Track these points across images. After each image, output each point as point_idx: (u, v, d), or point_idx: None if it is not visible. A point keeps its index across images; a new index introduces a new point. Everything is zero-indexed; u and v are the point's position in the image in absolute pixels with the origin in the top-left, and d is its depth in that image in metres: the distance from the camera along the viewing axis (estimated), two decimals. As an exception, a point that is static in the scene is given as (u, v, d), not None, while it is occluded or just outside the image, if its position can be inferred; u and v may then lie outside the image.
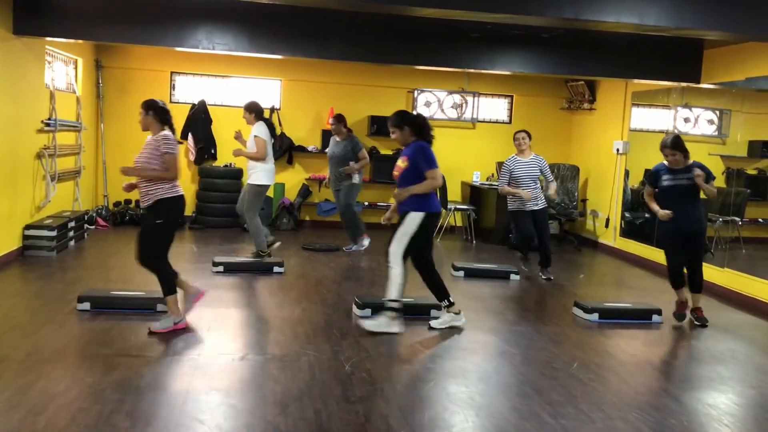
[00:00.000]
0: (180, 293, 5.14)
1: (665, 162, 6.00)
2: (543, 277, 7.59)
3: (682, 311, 6.11)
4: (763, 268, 7.25)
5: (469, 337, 5.38)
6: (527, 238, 7.57)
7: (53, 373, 4.07)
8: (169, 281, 5.06)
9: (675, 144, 5.87)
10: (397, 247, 5.27)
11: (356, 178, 8.62)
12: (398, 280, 5.24)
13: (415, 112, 5.76)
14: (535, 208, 7.50)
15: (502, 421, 3.76)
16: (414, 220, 5.27)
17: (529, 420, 3.77)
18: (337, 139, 8.63)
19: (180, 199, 5.24)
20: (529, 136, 7.71)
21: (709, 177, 5.87)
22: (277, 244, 7.74)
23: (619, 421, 3.83)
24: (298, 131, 10.44)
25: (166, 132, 5.25)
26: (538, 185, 7.64)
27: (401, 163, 5.42)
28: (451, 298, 5.53)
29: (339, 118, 8.58)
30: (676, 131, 9.12)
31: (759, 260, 7.50)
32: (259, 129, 7.48)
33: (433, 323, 5.53)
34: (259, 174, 7.49)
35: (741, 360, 5.21)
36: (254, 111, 7.57)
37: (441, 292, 5.54)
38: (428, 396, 4.07)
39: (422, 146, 5.41)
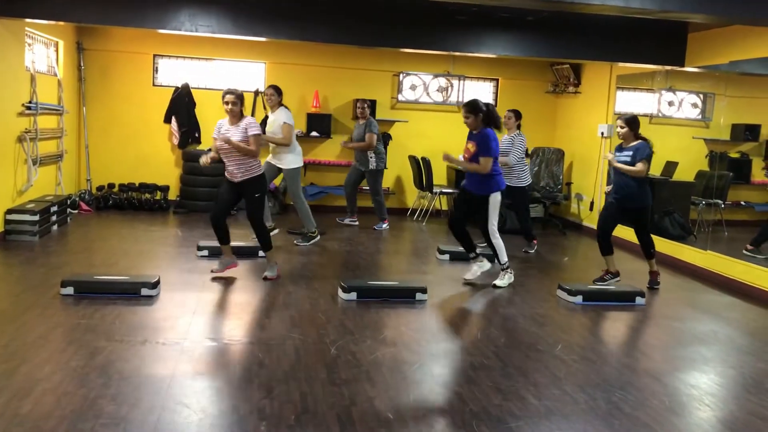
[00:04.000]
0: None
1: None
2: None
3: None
4: (757, 251, 7.32)
5: (453, 320, 5.41)
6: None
7: (37, 357, 4.05)
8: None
9: (627, 120, 6.42)
10: (493, 224, 6.32)
11: (372, 164, 9.00)
12: (502, 246, 6.38)
13: (483, 102, 6.23)
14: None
15: (486, 402, 3.79)
16: (497, 199, 6.29)
17: (514, 401, 3.80)
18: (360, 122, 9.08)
19: None
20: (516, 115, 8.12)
21: (634, 158, 6.30)
22: (276, 231, 7.91)
23: (602, 402, 3.87)
24: (282, 115, 10.37)
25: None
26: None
27: (471, 147, 6.19)
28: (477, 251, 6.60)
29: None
30: (660, 114, 9.17)
31: (741, 243, 7.57)
32: (287, 115, 7.71)
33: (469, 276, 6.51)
34: (288, 158, 7.74)
35: (722, 341, 5.28)
36: (281, 94, 7.80)
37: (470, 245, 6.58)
38: (413, 378, 4.09)
39: (488, 134, 6.15)
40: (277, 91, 7.77)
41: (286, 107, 7.82)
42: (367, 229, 9.13)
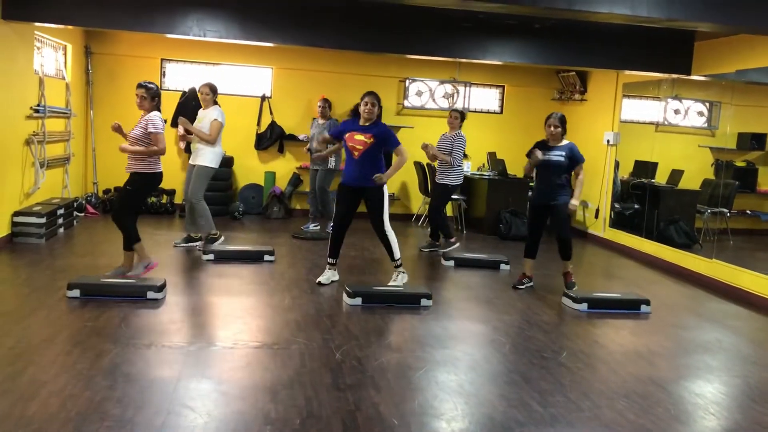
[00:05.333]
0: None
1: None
2: None
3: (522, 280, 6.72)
4: (750, 259, 7.32)
5: (458, 326, 5.41)
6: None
7: (43, 360, 4.06)
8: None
9: (561, 119, 6.40)
10: (387, 219, 6.22)
11: (332, 163, 8.83)
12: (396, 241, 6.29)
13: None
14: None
15: (491, 409, 3.79)
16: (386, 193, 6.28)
17: (518, 408, 3.80)
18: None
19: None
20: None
21: (569, 158, 6.37)
22: (221, 239, 7.67)
23: (606, 410, 3.87)
24: (289, 120, 10.41)
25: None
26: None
27: (366, 139, 6.03)
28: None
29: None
30: (666, 122, 9.17)
31: (746, 251, 7.57)
32: (219, 113, 7.46)
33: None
34: (207, 155, 7.41)
35: (727, 350, 5.27)
36: (216, 93, 7.59)
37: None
38: (418, 384, 4.10)
39: (387, 129, 6.16)
40: (212, 89, 7.55)
41: (219, 106, 7.60)
42: (372, 234, 9.12)
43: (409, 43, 7.91)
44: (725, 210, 8.12)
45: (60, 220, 7.91)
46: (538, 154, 6.35)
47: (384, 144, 6.09)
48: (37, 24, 7.44)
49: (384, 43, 7.92)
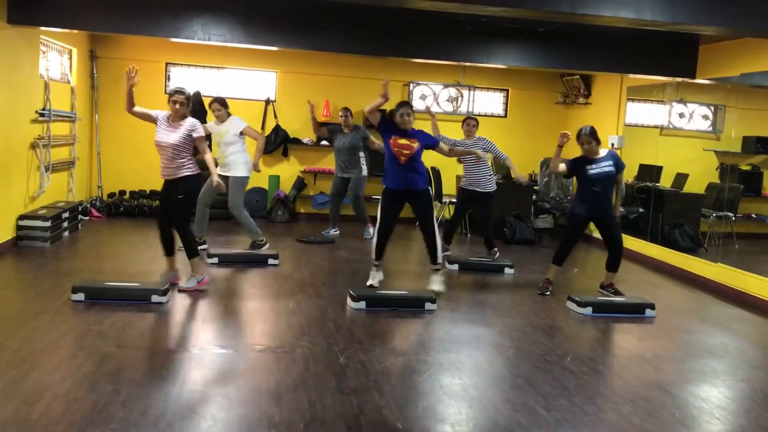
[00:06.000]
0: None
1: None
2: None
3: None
4: (755, 263, 7.30)
5: (462, 330, 5.40)
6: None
7: (47, 363, 4.07)
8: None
9: (591, 133, 6.35)
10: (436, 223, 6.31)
11: (364, 170, 8.93)
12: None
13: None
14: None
15: (495, 413, 3.78)
16: None
17: (522, 412, 3.79)
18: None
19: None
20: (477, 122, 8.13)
21: (617, 167, 6.36)
22: (206, 246, 7.63)
23: (611, 414, 3.86)
24: (293, 123, 10.43)
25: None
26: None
27: (411, 143, 6.13)
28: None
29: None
30: (670, 126, 9.16)
31: (751, 255, 7.55)
32: (241, 120, 7.47)
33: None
34: (240, 165, 7.41)
35: (733, 354, 5.25)
36: (227, 106, 7.48)
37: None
38: (422, 388, 4.09)
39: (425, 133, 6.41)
40: (222, 104, 7.43)
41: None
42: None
43: (413, 47, 7.92)
44: (730, 213, 8.10)
45: (65, 224, 7.93)
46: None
47: (425, 145, 6.26)
48: (42, 28, 7.48)
49: (388, 46, 7.94)
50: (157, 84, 10.09)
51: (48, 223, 7.36)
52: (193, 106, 9.87)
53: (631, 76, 8.97)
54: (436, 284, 6.25)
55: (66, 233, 7.98)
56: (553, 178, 10.51)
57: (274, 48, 8.15)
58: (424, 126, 10.57)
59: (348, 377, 4.15)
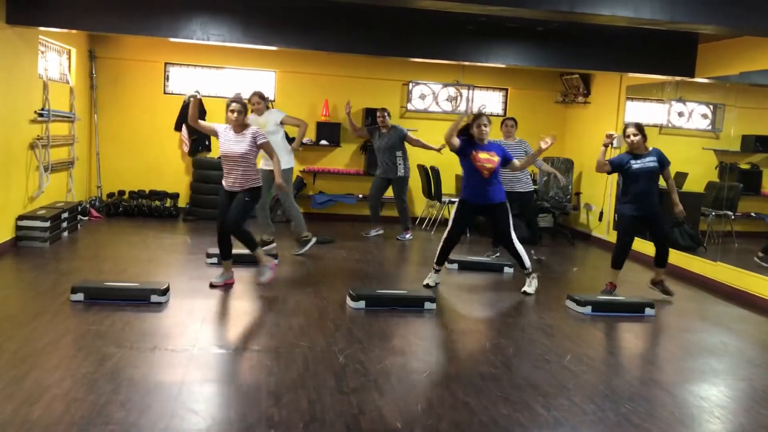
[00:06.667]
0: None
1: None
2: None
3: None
4: (754, 262, 7.29)
5: (462, 329, 5.40)
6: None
7: (47, 363, 4.07)
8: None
9: (638, 126, 6.38)
10: (514, 233, 6.41)
11: (401, 170, 9.03)
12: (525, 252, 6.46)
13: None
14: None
15: (494, 412, 3.78)
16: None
17: (522, 411, 3.79)
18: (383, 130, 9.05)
19: None
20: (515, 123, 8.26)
21: (662, 164, 6.39)
22: (274, 244, 7.79)
23: (611, 413, 3.86)
24: (292, 123, 10.41)
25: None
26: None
27: (491, 156, 6.29)
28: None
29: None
30: (669, 125, 9.15)
31: (751, 254, 7.53)
32: (279, 111, 7.73)
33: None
34: (284, 158, 7.28)
35: (733, 353, 5.25)
36: (266, 99, 7.66)
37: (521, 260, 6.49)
38: (421, 387, 4.09)
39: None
40: (261, 97, 7.56)
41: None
42: (376, 238, 9.14)
43: (412, 47, 7.91)
44: (730, 212, 8.10)
45: (64, 224, 7.92)
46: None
47: (504, 160, 6.40)
48: (41, 28, 7.47)
49: (387, 46, 7.93)
50: (157, 84, 10.09)
51: (47, 224, 7.35)
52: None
53: (631, 75, 8.97)
54: (527, 286, 6.49)
55: (65, 233, 7.98)
56: (552, 178, 10.51)
57: (273, 48, 8.15)
58: (422, 125, 10.64)
59: (347, 377, 4.14)
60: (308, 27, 7.55)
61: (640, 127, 6.36)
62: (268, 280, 6.13)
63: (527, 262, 6.48)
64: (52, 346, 4.37)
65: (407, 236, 9.15)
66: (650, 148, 6.42)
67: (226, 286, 6.13)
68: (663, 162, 6.39)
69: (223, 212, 6.06)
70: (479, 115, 6.35)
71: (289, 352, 4.54)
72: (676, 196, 6.54)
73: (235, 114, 5.84)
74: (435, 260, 6.59)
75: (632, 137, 6.34)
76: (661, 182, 6.56)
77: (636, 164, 6.34)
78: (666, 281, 6.72)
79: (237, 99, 5.93)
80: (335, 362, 4.39)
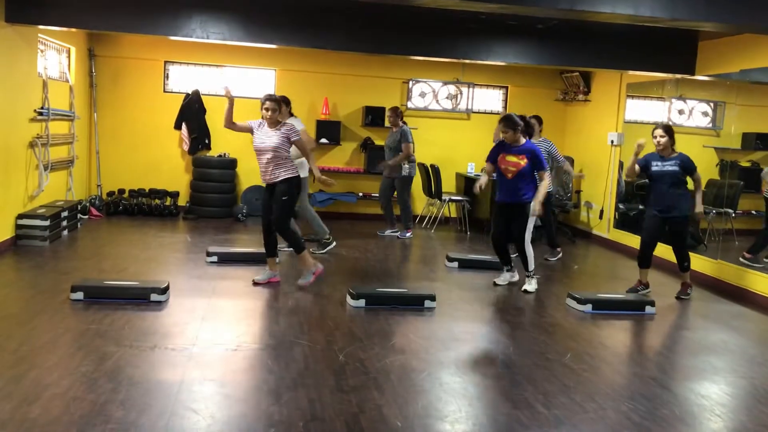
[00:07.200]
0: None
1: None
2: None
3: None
4: (755, 259, 7.28)
5: (462, 328, 5.39)
6: None
7: (46, 362, 4.06)
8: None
9: (667, 128, 6.38)
10: (528, 236, 6.48)
11: (405, 170, 9.03)
12: (532, 254, 6.55)
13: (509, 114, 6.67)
14: None
15: (494, 410, 3.78)
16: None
17: (522, 410, 3.78)
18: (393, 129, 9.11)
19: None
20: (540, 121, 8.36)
21: (685, 170, 6.33)
22: (333, 243, 7.97)
23: (611, 411, 3.85)
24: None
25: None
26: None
27: (519, 160, 6.34)
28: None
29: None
30: (670, 123, 9.14)
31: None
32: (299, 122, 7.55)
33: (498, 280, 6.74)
34: (304, 167, 7.30)
35: (733, 350, 5.24)
36: (288, 104, 7.46)
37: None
38: (422, 386, 4.08)
39: (538, 149, 6.46)
40: (286, 103, 7.39)
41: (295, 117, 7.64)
42: (376, 236, 9.14)
43: (412, 44, 7.91)
44: (730, 210, 8.08)
45: (64, 223, 7.92)
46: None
47: (535, 165, 6.38)
48: (40, 27, 7.46)
49: (387, 44, 7.92)
50: (156, 82, 10.08)
51: (47, 222, 7.35)
52: (192, 104, 9.99)
53: (631, 72, 8.96)
54: (527, 285, 6.59)
55: (65, 232, 7.97)
56: (554, 175, 10.49)
57: (273, 46, 8.14)
58: (422, 122, 10.63)
59: (347, 375, 4.14)
60: (308, 25, 7.54)
61: (668, 130, 6.35)
62: (305, 284, 6.21)
63: (531, 265, 6.55)
64: (52, 345, 4.37)
65: (407, 234, 9.16)
66: (677, 152, 6.37)
67: (270, 284, 6.21)
68: (687, 168, 6.32)
69: (265, 210, 6.17)
70: (500, 120, 6.54)
71: (289, 350, 4.54)
72: (699, 198, 6.43)
73: (269, 112, 5.95)
74: (503, 262, 6.83)
75: (659, 138, 6.34)
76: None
77: (656, 166, 6.37)
78: (690, 287, 6.69)
79: (271, 97, 6.02)
80: (335, 361, 4.38)
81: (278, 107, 6.03)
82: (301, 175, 7.37)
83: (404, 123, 9.10)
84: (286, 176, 6.02)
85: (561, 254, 8.31)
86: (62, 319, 4.90)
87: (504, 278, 6.80)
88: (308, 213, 7.82)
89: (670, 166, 6.31)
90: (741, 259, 7.29)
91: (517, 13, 6.07)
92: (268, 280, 6.24)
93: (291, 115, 7.52)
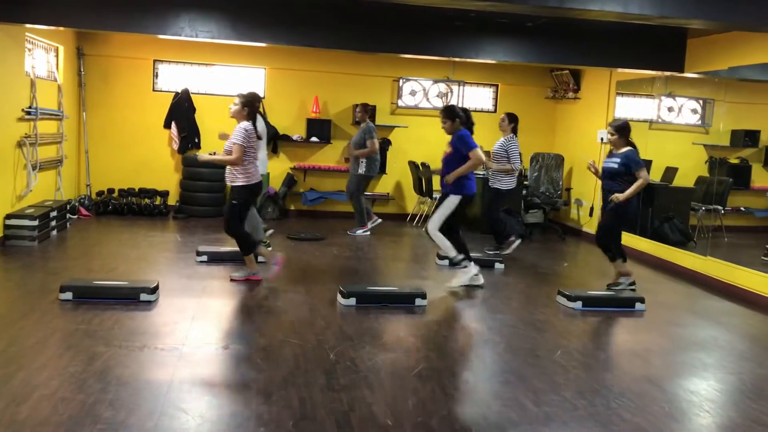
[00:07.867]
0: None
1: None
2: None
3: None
4: (744, 256, 7.33)
5: (453, 326, 5.40)
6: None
7: (35, 363, 4.03)
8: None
9: (617, 127, 6.46)
10: (434, 226, 6.40)
11: (362, 168, 8.99)
12: (446, 243, 6.39)
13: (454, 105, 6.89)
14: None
15: (485, 408, 3.78)
16: (453, 202, 6.35)
17: (512, 407, 3.79)
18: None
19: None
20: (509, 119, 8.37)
21: (624, 165, 6.31)
22: (270, 231, 7.96)
23: (601, 408, 3.86)
24: (282, 120, 10.39)
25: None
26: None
27: (447, 148, 6.46)
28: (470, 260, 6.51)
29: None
30: (659, 120, 9.17)
31: (741, 248, 7.58)
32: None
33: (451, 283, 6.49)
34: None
35: (722, 347, 5.27)
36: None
37: (463, 251, 6.47)
38: (412, 384, 4.08)
39: (464, 133, 6.40)
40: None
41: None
42: (372, 235, 9.12)
43: (402, 43, 7.90)
44: (719, 207, 8.13)
45: (53, 223, 7.87)
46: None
47: (460, 151, 6.35)
48: (28, 25, 7.40)
49: (377, 42, 7.90)
50: (146, 81, 10.03)
51: (35, 222, 7.30)
52: (181, 102, 9.94)
53: (620, 70, 8.98)
54: (459, 281, 6.53)
55: (54, 232, 7.93)
56: (543, 173, 10.52)
57: (263, 44, 8.11)
58: (413, 121, 10.62)
59: (338, 374, 4.13)
60: (297, 23, 7.52)
61: (618, 128, 6.43)
62: (236, 278, 6.28)
63: (450, 253, 6.48)
64: (40, 346, 4.34)
65: (358, 232, 9.08)
66: (624, 150, 6.40)
67: (251, 282, 6.27)
68: (627, 164, 6.30)
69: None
70: (440, 110, 6.62)
71: (279, 349, 4.53)
72: (629, 190, 6.26)
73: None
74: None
75: (608, 136, 6.54)
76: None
77: (605, 162, 6.57)
78: (623, 276, 6.66)
79: (238, 94, 6.19)
80: (326, 359, 4.38)
81: (240, 105, 6.11)
82: (262, 172, 7.29)
83: (371, 120, 9.18)
84: (240, 183, 6.08)
85: (517, 242, 8.23)
86: (51, 319, 4.88)
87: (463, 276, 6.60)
88: (254, 219, 7.59)
89: (612, 162, 6.43)
90: (763, 258, 7.33)
91: (507, 11, 6.09)
92: (245, 278, 6.28)
93: (259, 113, 7.40)
